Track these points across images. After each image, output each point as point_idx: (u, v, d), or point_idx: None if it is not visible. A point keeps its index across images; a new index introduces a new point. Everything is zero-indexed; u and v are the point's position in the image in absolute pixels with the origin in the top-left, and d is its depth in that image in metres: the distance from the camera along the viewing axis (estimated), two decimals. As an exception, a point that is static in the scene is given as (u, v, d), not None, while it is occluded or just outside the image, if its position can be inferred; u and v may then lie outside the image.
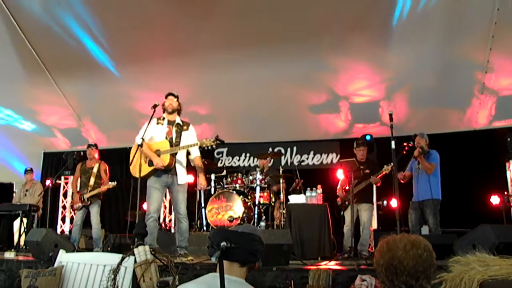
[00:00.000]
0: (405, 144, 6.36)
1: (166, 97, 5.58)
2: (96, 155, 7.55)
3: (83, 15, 7.14)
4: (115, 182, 7.17)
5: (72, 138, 10.49)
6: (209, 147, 5.15)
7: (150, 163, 5.27)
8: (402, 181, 6.62)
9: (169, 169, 5.34)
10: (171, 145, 5.34)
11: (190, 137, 5.56)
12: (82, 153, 7.85)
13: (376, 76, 8.04)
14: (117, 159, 9.93)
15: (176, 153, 5.37)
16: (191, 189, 8.55)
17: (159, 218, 5.99)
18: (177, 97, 5.61)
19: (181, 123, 5.58)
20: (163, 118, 5.50)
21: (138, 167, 5.21)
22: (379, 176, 6.51)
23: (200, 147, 5.32)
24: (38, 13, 7.18)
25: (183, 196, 5.51)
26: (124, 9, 6.99)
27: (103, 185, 7.19)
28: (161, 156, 5.27)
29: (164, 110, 5.54)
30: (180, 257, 4.99)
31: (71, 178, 9.09)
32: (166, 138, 5.41)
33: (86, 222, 7.35)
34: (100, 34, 7.55)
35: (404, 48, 7.27)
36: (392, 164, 5.74)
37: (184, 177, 5.49)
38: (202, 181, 5.66)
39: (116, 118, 9.55)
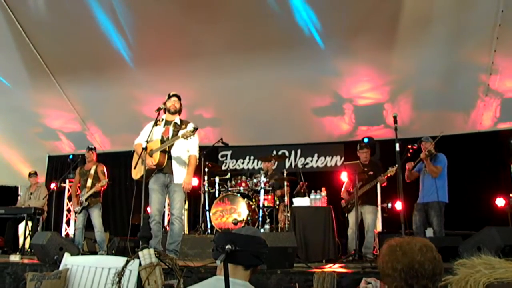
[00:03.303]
0: (409, 146, 6.36)
1: (169, 98, 5.50)
2: (94, 158, 7.61)
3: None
4: (108, 179, 7.21)
5: (77, 142, 10.52)
6: (190, 137, 5.05)
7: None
8: (408, 180, 6.63)
9: (162, 168, 5.28)
10: (161, 143, 5.29)
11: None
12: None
13: (380, 78, 8.02)
14: (122, 162, 9.96)
15: (168, 151, 5.29)
16: (195, 192, 8.59)
17: (163, 220, 5.91)
18: (180, 98, 5.56)
19: (179, 122, 5.50)
20: (162, 119, 5.44)
21: (137, 170, 5.27)
22: (386, 176, 6.50)
23: (183, 137, 5.07)
24: (43, 17, 7.21)
25: (179, 196, 5.34)
26: (129, 13, 7.03)
27: (98, 184, 7.21)
28: (153, 155, 5.22)
29: (165, 111, 5.45)
30: None
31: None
32: (163, 138, 5.35)
33: (90, 226, 7.36)
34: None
35: (408, 50, 7.25)
36: (397, 166, 5.73)
37: (181, 176, 5.38)
38: (185, 179, 5.36)
39: (120, 122, 9.57)
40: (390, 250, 1.93)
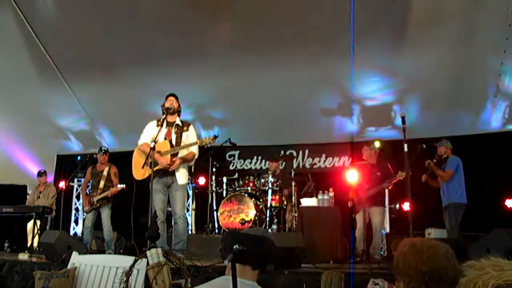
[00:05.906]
0: (418, 146, 6.32)
1: (166, 98, 5.56)
2: (106, 159, 7.63)
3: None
4: (124, 185, 7.22)
5: (85, 141, 10.58)
6: (209, 145, 5.17)
7: (151, 165, 5.13)
8: (435, 187, 6.76)
9: (168, 170, 5.33)
10: (171, 146, 5.35)
11: (190, 137, 5.51)
12: (94, 155, 7.91)
13: (388, 79, 8.00)
14: (130, 162, 9.94)
15: (176, 154, 5.35)
16: (203, 192, 8.59)
17: (167, 220, 5.90)
18: (177, 98, 5.59)
19: (180, 124, 5.56)
20: (163, 120, 5.47)
21: (140, 170, 5.33)
22: (393, 182, 6.47)
23: (201, 146, 5.26)
24: (52, 17, 7.26)
25: (181, 195, 5.44)
26: (138, 13, 7.05)
27: (113, 188, 7.24)
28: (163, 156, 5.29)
29: (165, 112, 5.46)
30: None
31: (84, 181, 9.18)
32: (166, 139, 5.40)
33: (98, 225, 7.40)
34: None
35: (417, 51, 7.23)
36: (405, 171, 5.71)
37: (184, 178, 5.47)
38: (175, 159, 5.34)
39: (128, 121, 9.58)
40: (415, 251, 1.88)
